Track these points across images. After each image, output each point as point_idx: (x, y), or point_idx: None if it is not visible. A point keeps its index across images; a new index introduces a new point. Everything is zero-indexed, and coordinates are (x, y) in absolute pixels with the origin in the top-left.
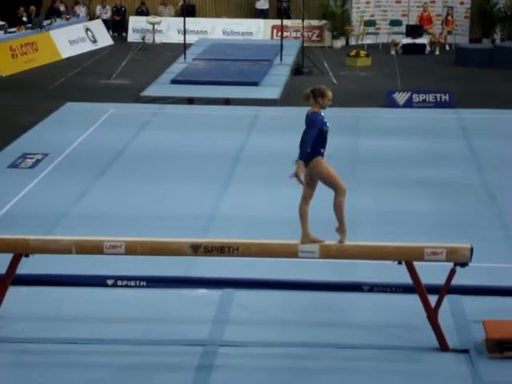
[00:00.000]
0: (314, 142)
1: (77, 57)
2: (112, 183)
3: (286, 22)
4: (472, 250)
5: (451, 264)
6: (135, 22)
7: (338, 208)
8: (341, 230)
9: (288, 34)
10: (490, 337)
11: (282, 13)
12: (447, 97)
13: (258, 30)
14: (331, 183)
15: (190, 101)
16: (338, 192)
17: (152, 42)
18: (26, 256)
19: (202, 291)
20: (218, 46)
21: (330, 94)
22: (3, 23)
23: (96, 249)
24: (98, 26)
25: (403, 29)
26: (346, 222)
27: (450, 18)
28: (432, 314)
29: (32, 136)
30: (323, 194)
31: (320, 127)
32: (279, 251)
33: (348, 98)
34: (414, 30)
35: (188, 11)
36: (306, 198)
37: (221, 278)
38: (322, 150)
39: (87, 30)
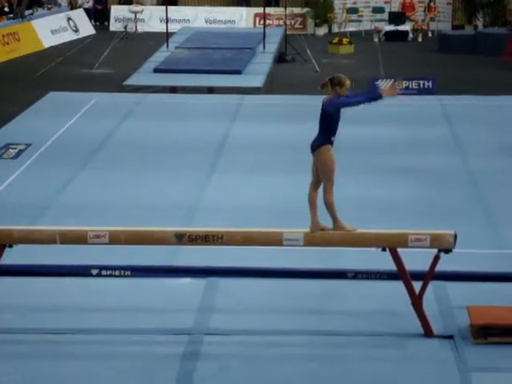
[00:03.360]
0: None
1: (59, 46)
2: (95, 173)
3: (268, 9)
4: (456, 236)
5: (435, 250)
6: (117, 11)
7: (330, 206)
8: (339, 226)
9: (271, 21)
10: (474, 322)
11: (266, 1)
12: (430, 83)
13: (241, 18)
14: (327, 177)
15: (173, 89)
16: (328, 188)
17: (134, 30)
18: (10, 247)
19: (187, 280)
20: (200, 35)
21: (348, 83)
22: None
23: (80, 238)
24: (79, 16)
25: (386, 16)
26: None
27: (432, 4)
28: (416, 301)
29: (15, 126)
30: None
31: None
32: (263, 239)
33: None
34: (396, 17)
35: (170, 0)
36: (314, 186)
37: (205, 266)
38: (332, 138)
39: (69, 19)
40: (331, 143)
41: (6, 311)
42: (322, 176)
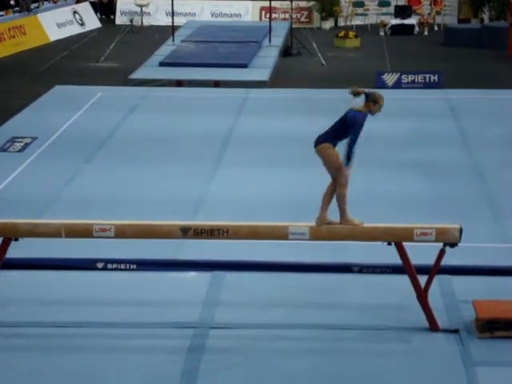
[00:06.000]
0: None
1: (65, 40)
2: (101, 167)
3: (274, 3)
4: (461, 230)
5: (441, 244)
6: (123, 5)
7: (341, 199)
8: (346, 220)
9: (276, 15)
10: (480, 317)
11: None
12: (436, 77)
13: (247, 11)
14: (336, 171)
15: (179, 83)
16: (342, 182)
17: (140, 24)
18: (16, 240)
19: (192, 274)
20: (206, 28)
21: (382, 102)
22: None
23: (86, 232)
24: (85, 9)
25: (392, 9)
26: (335, 203)
27: None
28: (422, 295)
29: (21, 119)
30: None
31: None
32: (269, 233)
33: (337, 79)
34: (402, 11)
35: None
36: (332, 182)
37: (211, 260)
38: (337, 142)
39: (75, 12)
40: (334, 145)
41: (12, 305)
42: (330, 172)
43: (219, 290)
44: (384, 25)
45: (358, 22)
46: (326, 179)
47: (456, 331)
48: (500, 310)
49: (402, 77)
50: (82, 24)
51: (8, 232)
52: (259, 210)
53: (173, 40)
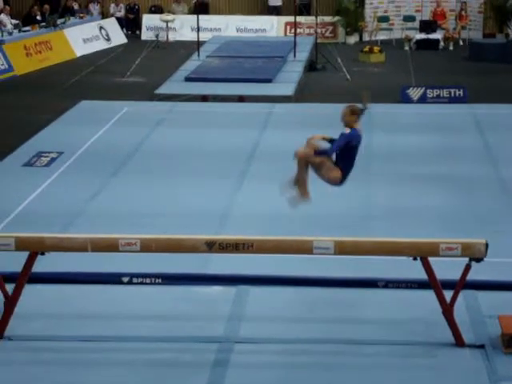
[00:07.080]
0: None
1: (91, 55)
2: (127, 181)
3: (299, 18)
4: (487, 245)
5: (466, 259)
6: (149, 20)
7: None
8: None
9: (301, 30)
10: (506, 332)
11: (297, 9)
12: (461, 92)
13: (272, 26)
14: None
15: (204, 98)
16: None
17: (166, 39)
18: (42, 254)
19: (217, 288)
20: (231, 44)
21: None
22: (17, 22)
23: (111, 246)
24: (111, 24)
25: (417, 24)
26: (360, 217)
27: (463, 13)
28: (447, 310)
29: (47, 134)
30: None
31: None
32: (294, 248)
33: (362, 94)
34: (427, 26)
35: (201, 8)
36: None
37: (236, 274)
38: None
39: (101, 28)
40: None
41: (37, 319)
42: None
43: (244, 305)
44: (409, 39)
45: (382, 36)
46: (351, 193)
47: (482, 346)
48: None
49: (427, 91)
50: (108, 39)
51: (34, 246)
52: (284, 224)
53: (198, 55)
